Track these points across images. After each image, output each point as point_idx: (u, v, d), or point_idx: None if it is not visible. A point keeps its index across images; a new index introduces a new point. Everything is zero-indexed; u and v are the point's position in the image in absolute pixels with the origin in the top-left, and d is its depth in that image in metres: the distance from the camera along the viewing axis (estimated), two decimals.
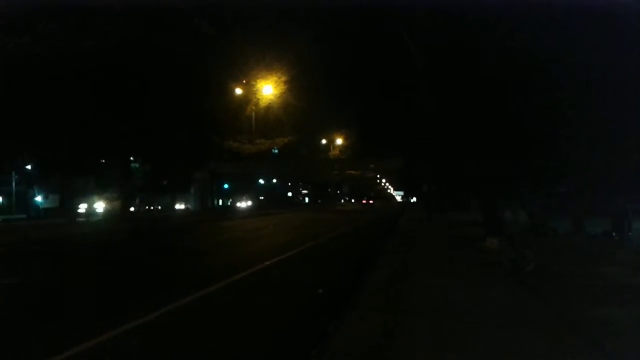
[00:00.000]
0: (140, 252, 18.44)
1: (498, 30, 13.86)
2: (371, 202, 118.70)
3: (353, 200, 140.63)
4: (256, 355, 6.18)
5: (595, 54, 12.86)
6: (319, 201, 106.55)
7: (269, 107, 44.36)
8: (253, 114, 44.40)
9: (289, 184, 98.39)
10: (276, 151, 55.10)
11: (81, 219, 38.58)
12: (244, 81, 41.92)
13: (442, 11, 14.43)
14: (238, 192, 70.73)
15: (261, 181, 79.89)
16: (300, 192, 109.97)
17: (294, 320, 7.80)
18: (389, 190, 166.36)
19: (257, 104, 43.86)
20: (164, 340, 6.63)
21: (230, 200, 70.82)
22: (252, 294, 9.77)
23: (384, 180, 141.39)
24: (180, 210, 60.48)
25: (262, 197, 78.76)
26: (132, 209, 48.23)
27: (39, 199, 48.24)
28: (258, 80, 42.03)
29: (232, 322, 7.63)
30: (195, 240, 22.61)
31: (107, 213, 44.74)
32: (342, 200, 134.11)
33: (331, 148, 68.96)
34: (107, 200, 46.37)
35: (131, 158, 41.87)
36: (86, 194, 46.94)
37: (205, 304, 8.78)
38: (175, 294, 8.96)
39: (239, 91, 42.67)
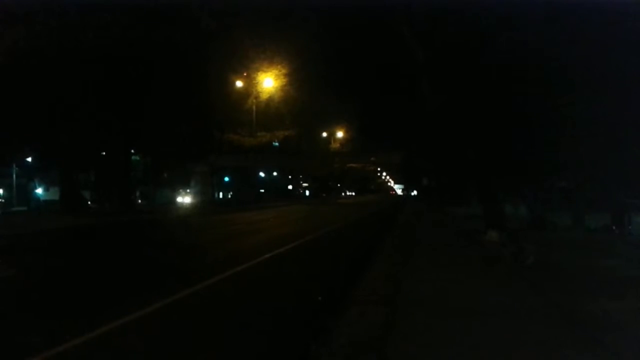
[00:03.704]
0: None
1: (499, 25, 13.83)
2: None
3: (354, 194, 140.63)
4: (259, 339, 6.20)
5: (596, 49, 12.84)
6: (324, 195, 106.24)
7: (269, 100, 44.39)
8: (254, 107, 44.38)
9: (290, 177, 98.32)
10: (277, 144, 55.06)
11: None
12: (245, 74, 41.92)
13: (441, 5, 14.39)
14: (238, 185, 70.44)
15: (262, 174, 79.82)
16: (301, 185, 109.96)
17: (291, 315, 7.80)
18: (389, 184, 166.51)
19: (257, 97, 43.88)
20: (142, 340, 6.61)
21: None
22: (253, 287, 9.81)
23: (384, 174, 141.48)
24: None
25: (262, 190, 78.68)
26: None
27: (39, 191, 48.28)
28: (259, 73, 42.04)
29: (234, 313, 7.67)
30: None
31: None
32: (343, 194, 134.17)
33: (332, 141, 68.97)
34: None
35: (132, 151, 41.77)
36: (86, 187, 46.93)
37: (204, 295, 8.82)
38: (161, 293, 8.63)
39: (239, 84, 42.64)
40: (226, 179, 67.67)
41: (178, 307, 7.83)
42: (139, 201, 50.56)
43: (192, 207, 50.08)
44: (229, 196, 69.54)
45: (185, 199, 57.71)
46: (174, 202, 56.85)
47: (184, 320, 7.19)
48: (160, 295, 8.13)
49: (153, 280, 10.46)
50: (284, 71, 41.02)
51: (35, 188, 48.02)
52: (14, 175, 46.96)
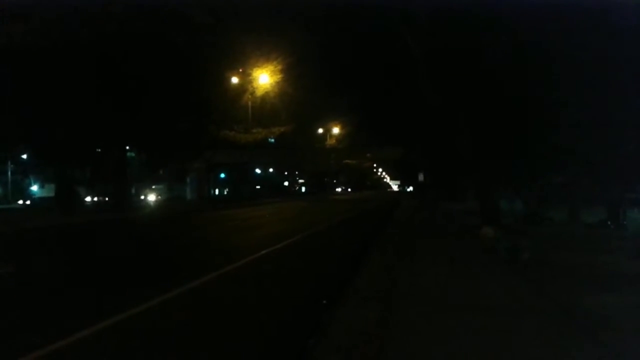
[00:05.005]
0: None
1: (496, 23, 13.84)
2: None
3: (350, 190, 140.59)
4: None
5: (593, 43, 12.85)
6: (320, 191, 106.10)
7: (265, 96, 44.19)
8: (249, 103, 44.22)
9: (286, 173, 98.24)
10: (272, 140, 54.95)
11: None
12: (240, 70, 41.73)
13: (439, 4, 14.39)
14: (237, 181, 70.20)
15: (258, 170, 79.75)
16: (297, 181, 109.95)
17: (291, 312, 7.82)
18: (385, 180, 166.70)
19: (253, 93, 43.70)
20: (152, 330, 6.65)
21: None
22: (254, 281, 9.82)
23: (380, 170, 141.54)
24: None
25: (258, 187, 78.61)
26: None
27: (34, 188, 48.19)
28: (254, 69, 41.86)
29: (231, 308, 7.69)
30: None
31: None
32: (339, 190, 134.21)
33: (328, 137, 68.85)
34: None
35: (127, 147, 41.59)
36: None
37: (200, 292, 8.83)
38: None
39: (235, 80, 42.47)
40: (222, 175, 67.60)
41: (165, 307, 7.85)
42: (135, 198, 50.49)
43: (189, 203, 50.00)
44: (225, 192, 69.41)
45: (151, 196, 56.40)
46: (169, 198, 56.66)
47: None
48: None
49: (145, 277, 10.53)
50: (279, 67, 40.84)
51: (31, 185, 47.91)
52: (9, 172, 46.84)
